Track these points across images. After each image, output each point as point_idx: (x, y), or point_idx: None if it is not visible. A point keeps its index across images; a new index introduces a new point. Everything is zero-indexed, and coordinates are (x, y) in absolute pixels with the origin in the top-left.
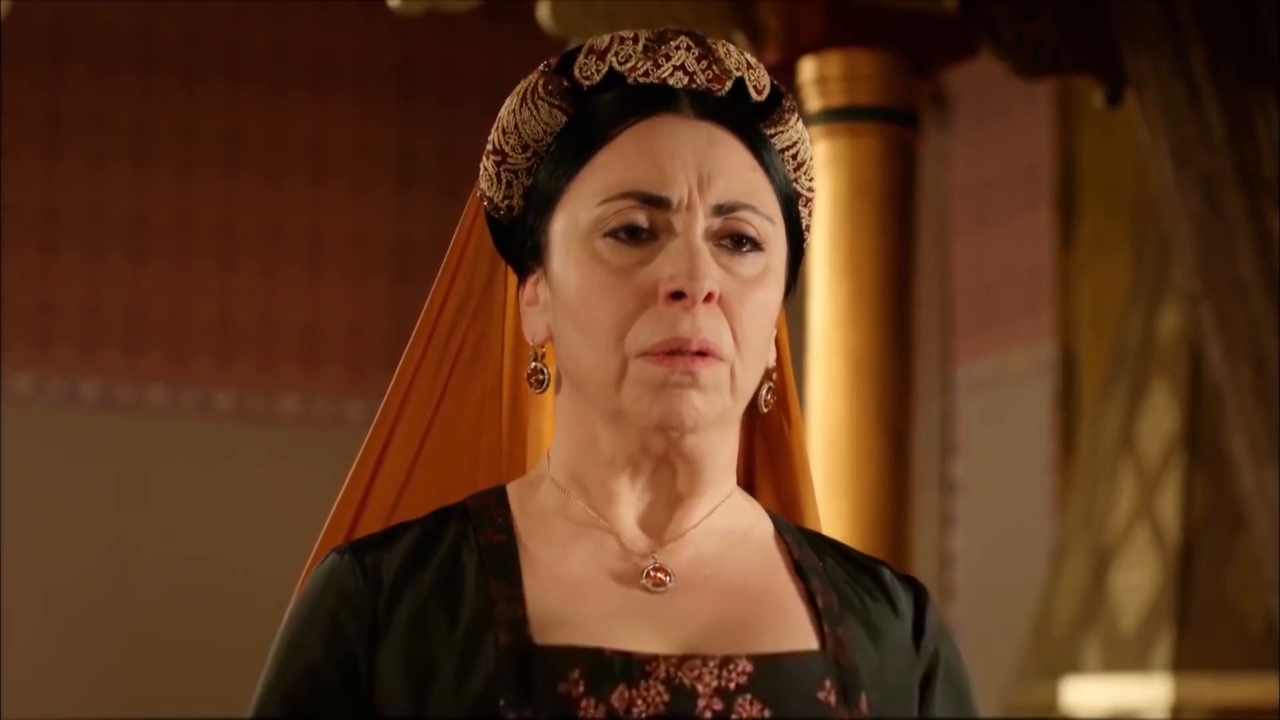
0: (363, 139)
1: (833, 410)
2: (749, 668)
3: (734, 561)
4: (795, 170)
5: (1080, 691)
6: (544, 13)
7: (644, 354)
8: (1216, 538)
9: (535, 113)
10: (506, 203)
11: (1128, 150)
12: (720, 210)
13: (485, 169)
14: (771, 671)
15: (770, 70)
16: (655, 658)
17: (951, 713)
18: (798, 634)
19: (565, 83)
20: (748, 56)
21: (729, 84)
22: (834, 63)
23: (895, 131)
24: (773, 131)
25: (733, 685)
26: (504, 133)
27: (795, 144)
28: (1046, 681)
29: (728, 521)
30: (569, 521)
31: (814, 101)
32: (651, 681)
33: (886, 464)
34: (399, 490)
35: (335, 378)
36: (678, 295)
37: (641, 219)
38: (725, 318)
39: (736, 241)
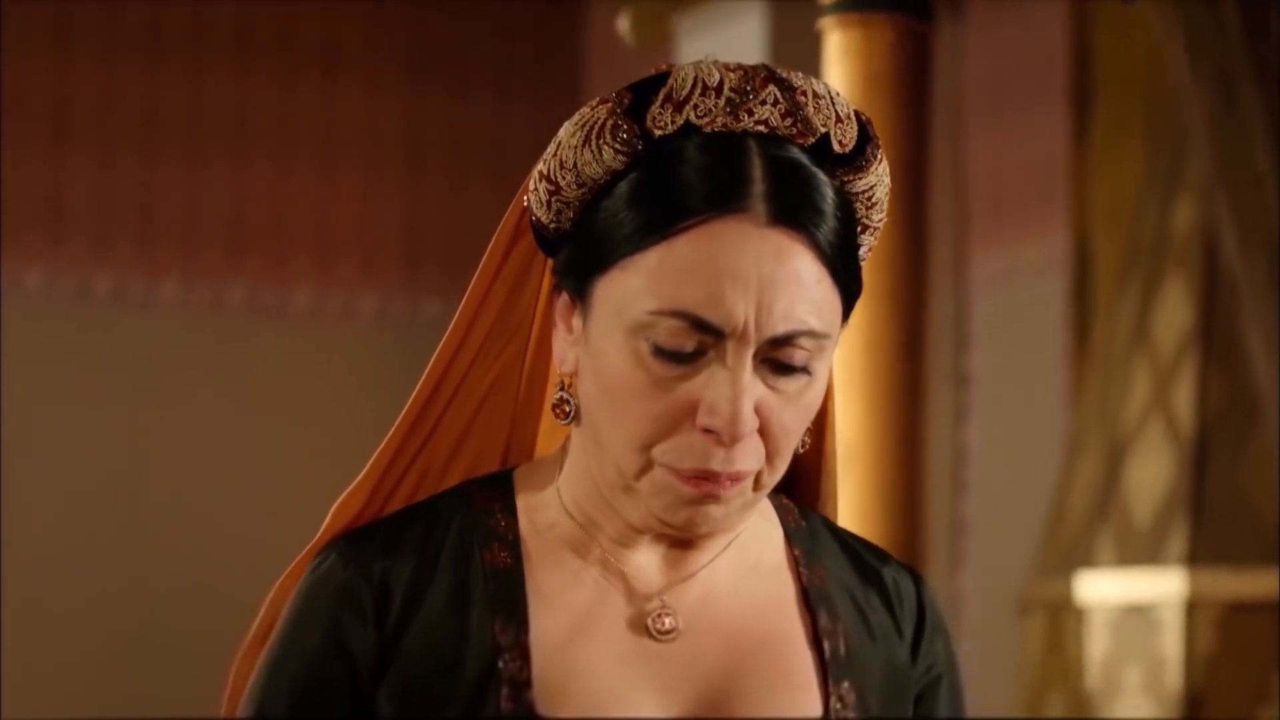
0: (375, 35)
1: None
2: None
3: (744, 596)
4: (868, 210)
5: (1094, 585)
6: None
7: (671, 469)
8: (1231, 431)
9: (598, 156)
10: (554, 225)
11: (1143, 44)
12: (775, 343)
13: (537, 193)
14: None
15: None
16: None
17: None
18: (802, 698)
19: (636, 129)
20: (838, 107)
21: (812, 139)
22: None
23: (908, 23)
24: (849, 178)
25: None
26: (562, 166)
27: (873, 187)
28: (1060, 575)
29: (742, 542)
30: (577, 552)
31: None
32: None
33: (901, 356)
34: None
35: (348, 272)
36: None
37: (690, 344)
38: (761, 437)
39: (787, 366)
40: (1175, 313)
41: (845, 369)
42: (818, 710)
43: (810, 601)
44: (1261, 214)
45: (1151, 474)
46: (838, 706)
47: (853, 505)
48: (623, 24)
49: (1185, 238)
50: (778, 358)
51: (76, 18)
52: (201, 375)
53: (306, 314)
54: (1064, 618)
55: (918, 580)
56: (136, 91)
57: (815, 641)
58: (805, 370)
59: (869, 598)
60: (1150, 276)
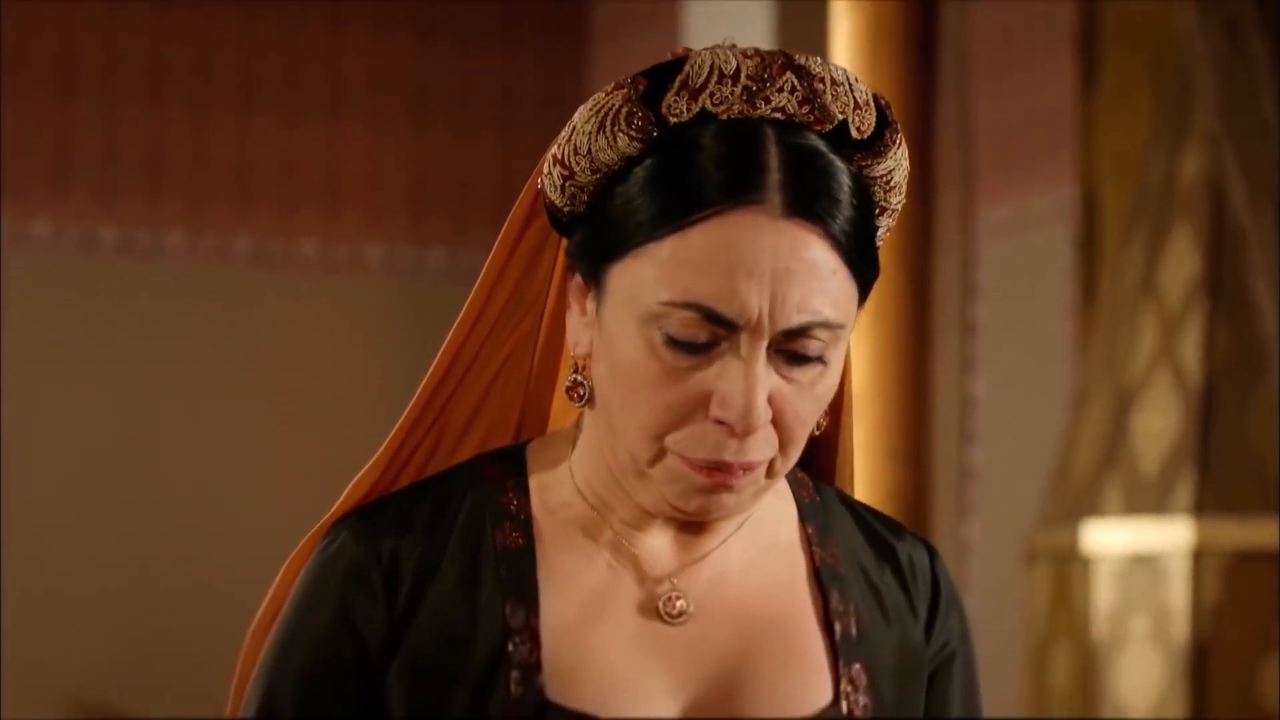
0: None
1: None
2: None
3: (756, 577)
4: (886, 193)
5: (1100, 535)
6: None
7: (684, 458)
8: (1238, 381)
9: (612, 143)
10: (568, 209)
11: None
12: (790, 334)
13: (550, 176)
14: None
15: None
16: None
17: (959, 708)
18: (813, 682)
19: (651, 116)
20: (856, 94)
21: (829, 126)
22: None
23: None
24: (867, 163)
25: None
26: (575, 151)
27: (891, 171)
28: (1067, 525)
29: (756, 520)
30: (589, 534)
31: None
32: None
33: (908, 306)
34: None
35: (354, 222)
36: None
37: (703, 334)
38: (775, 427)
39: (801, 357)
40: (1182, 262)
41: None
42: (829, 692)
43: (822, 581)
44: (1268, 163)
45: (1158, 424)
46: (848, 688)
47: (860, 455)
48: None
49: (1192, 187)
50: (792, 349)
51: None
52: (208, 326)
53: (313, 264)
54: (1071, 567)
55: (932, 555)
56: (142, 42)
57: (826, 622)
58: (820, 360)
59: (883, 575)
60: (1157, 226)
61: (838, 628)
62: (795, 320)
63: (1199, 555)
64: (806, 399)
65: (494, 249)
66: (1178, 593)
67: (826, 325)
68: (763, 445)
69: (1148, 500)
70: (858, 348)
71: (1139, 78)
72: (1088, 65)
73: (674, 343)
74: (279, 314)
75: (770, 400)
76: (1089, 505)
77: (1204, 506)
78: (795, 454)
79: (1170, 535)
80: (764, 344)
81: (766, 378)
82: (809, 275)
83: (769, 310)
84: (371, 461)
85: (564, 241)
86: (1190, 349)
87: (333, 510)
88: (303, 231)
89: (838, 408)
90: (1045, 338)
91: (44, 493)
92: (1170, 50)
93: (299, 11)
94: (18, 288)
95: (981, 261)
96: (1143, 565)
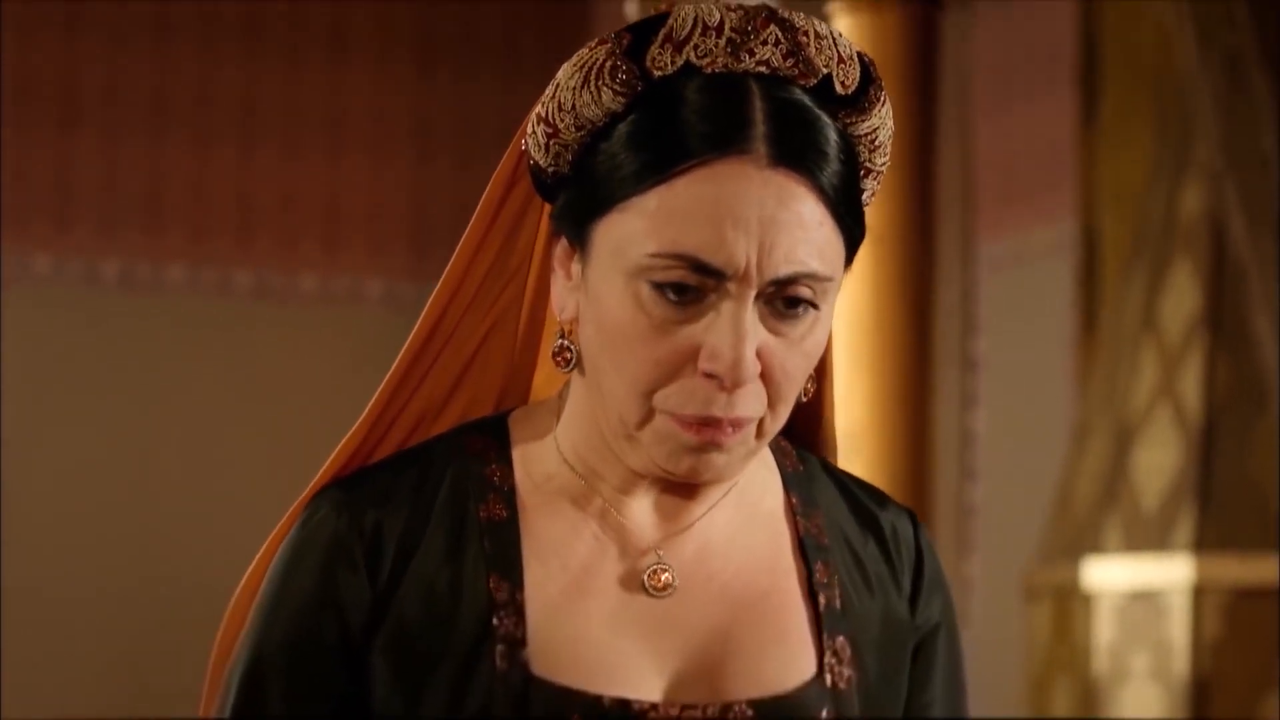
0: (383, 17)
1: (854, 287)
2: (749, 713)
3: (740, 548)
4: (870, 153)
5: (1101, 571)
6: None
7: (673, 415)
8: (1238, 417)
9: (597, 98)
10: (553, 169)
11: (1151, 28)
12: (778, 286)
13: (535, 136)
14: (771, 713)
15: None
16: (654, 706)
17: (941, 685)
18: (797, 655)
19: (636, 70)
20: (840, 48)
21: (814, 81)
22: None
23: (918, 8)
24: (852, 120)
25: None
26: (560, 108)
27: (876, 130)
28: (1068, 561)
29: (741, 489)
30: (576, 504)
31: None
32: None
33: (908, 341)
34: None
35: (355, 255)
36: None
37: (691, 280)
38: (764, 382)
39: (790, 303)
40: (1183, 297)
41: (853, 353)
42: (812, 665)
43: (806, 552)
44: (1269, 198)
45: (1159, 459)
46: (832, 661)
47: None
48: (630, 8)
49: (1193, 222)
50: (780, 301)
51: (85, 3)
52: (209, 359)
53: (314, 298)
54: (1071, 603)
55: (916, 525)
56: (144, 75)
57: (810, 594)
58: (810, 307)
59: (867, 546)
60: (1158, 261)
61: (821, 600)
62: (783, 270)
63: (1199, 591)
64: (795, 354)
65: (475, 216)
66: (1178, 629)
67: (814, 277)
68: (752, 400)
69: (1148, 536)
70: (857, 382)
71: (1139, 112)
72: (1088, 99)
73: (662, 296)
74: (280, 347)
75: (759, 355)
76: (1089, 541)
77: (1204, 543)
78: (784, 413)
79: (1171, 571)
80: (752, 295)
81: (755, 330)
82: (795, 226)
83: (756, 260)
84: (349, 433)
85: (547, 208)
86: (1191, 384)
87: (313, 483)
88: (303, 265)
89: (820, 374)
90: (1045, 373)
91: (45, 526)
92: (1171, 85)
93: (300, 45)
94: (19, 321)
95: (981, 295)
96: (1143, 601)
